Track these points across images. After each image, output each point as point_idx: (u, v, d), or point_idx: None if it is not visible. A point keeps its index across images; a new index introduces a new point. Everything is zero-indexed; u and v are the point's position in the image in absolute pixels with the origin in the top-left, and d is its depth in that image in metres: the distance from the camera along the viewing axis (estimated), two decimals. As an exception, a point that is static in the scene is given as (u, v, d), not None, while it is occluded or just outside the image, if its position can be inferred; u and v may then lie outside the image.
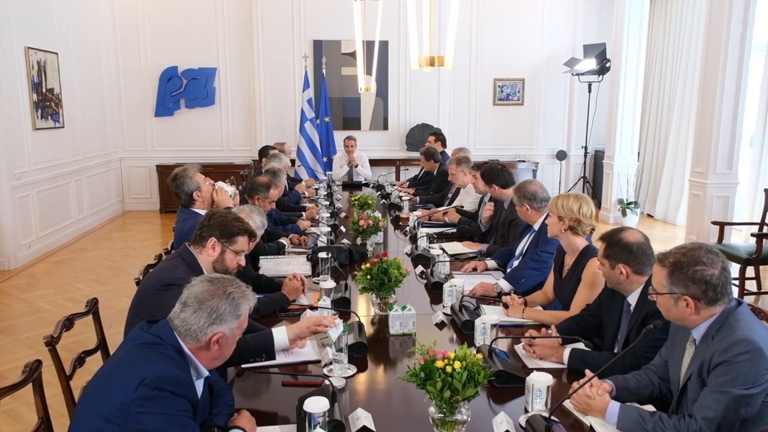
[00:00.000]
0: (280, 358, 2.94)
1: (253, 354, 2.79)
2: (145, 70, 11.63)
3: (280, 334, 2.91)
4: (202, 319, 2.15)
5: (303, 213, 6.60)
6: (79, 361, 2.88)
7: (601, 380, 2.50)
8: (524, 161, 11.87)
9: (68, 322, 2.89)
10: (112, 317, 5.30)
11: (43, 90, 8.91)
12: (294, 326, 2.98)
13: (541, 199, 4.27)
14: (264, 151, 8.68)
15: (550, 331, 3.14)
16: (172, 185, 4.42)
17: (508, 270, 4.41)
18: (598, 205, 11.36)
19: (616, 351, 2.98)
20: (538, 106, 12.22)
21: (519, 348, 3.10)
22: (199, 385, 2.21)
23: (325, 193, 8.08)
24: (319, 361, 2.95)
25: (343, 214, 6.76)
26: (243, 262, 3.14)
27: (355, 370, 2.84)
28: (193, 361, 2.17)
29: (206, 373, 2.24)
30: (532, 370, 2.67)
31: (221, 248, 3.04)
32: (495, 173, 5.29)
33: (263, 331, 2.96)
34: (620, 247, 2.89)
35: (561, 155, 12.27)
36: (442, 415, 2.24)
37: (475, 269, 4.56)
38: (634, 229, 3.01)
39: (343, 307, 3.62)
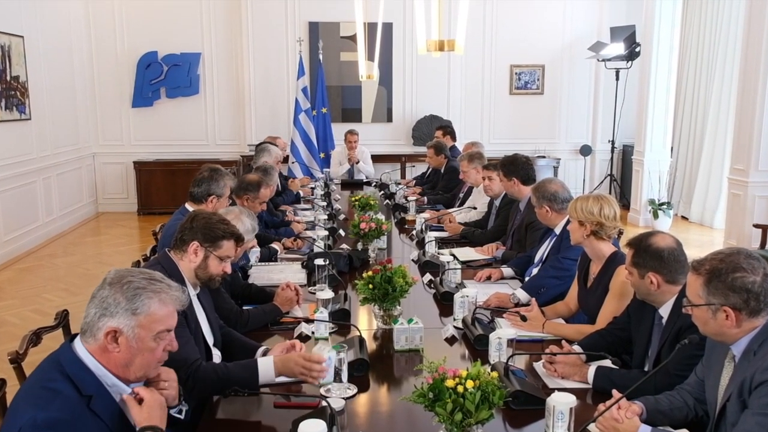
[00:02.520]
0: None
1: (238, 385, 2.65)
2: (122, 56, 11.66)
3: (266, 366, 2.83)
4: (93, 308, 2.12)
5: (286, 227, 6.12)
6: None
7: (629, 401, 2.50)
8: (544, 157, 11.86)
9: (35, 337, 2.90)
10: (84, 331, 5.30)
11: (7, 78, 8.93)
12: (283, 361, 2.85)
13: (563, 200, 4.27)
14: (260, 147, 8.66)
15: (574, 347, 3.14)
16: (204, 174, 4.54)
17: (526, 279, 4.41)
18: (627, 207, 11.37)
19: (646, 369, 2.98)
20: (560, 96, 12.21)
21: (539, 366, 3.10)
22: None
23: (322, 192, 8.08)
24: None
25: (342, 216, 6.75)
26: (228, 270, 3.14)
27: (355, 390, 2.84)
28: (107, 378, 2.12)
29: (128, 390, 2.17)
30: (553, 390, 2.66)
31: (204, 253, 3.03)
32: (518, 165, 5.25)
33: (247, 361, 2.90)
34: (650, 254, 2.89)
35: (585, 150, 12.26)
36: (452, 440, 2.25)
37: (489, 278, 4.56)
38: (665, 233, 3.01)
39: (342, 319, 3.62)
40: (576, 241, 3.68)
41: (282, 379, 2.88)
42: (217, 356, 3.08)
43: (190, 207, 4.48)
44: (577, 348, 3.16)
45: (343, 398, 2.73)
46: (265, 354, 3.08)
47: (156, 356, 2.19)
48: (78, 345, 2.15)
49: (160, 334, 2.17)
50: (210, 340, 3.09)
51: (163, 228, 4.59)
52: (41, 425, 1.92)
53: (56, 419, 1.95)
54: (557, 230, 4.33)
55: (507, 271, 4.64)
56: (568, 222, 3.86)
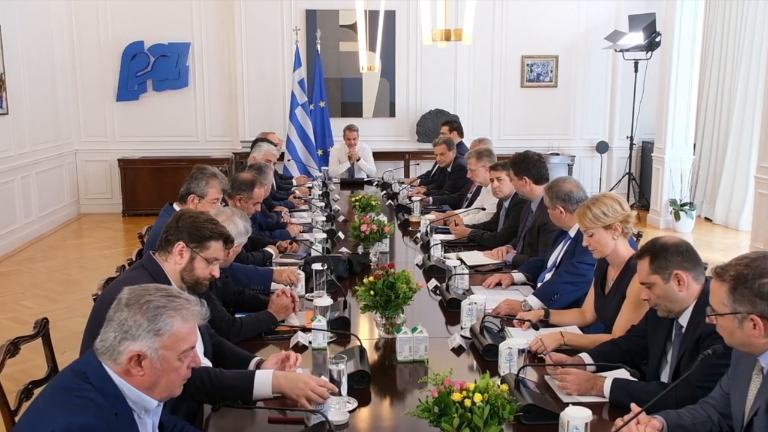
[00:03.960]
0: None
1: (230, 395, 2.69)
2: (106, 46, 11.66)
3: (264, 381, 2.77)
4: (112, 332, 2.14)
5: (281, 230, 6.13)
6: (26, 393, 2.89)
7: (649, 416, 2.50)
8: (558, 154, 11.85)
9: (13, 347, 2.90)
10: (65, 341, 5.32)
11: (-16, 70, 8.93)
12: (289, 379, 2.76)
13: (578, 200, 4.25)
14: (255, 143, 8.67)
15: (582, 355, 3.14)
16: (192, 174, 4.60)
17: (539, 285, 4.41)
18: (647, 207, 11.36)
19: (663, 380, 2.98)
20: (575, 89, 12.21)
21: (552, 378, 3.10)
22: (148, 424, 2.23)
23: (320, 192, 8.09)
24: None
25: (341, 218, 6.76)
26: (216, 273, 3.14)
27: (355, 404, 2.84)
28: (132, 393, 2.16)
29: (153, 404, 2.22)
30: (567, 404, 2.66)
31: (190, 254, 3.03)
32: (530, 163, 5.23)
33: (244, 371, 2.90)
34: (669, 251, 2.91)
35: (602, 147, 12.26)
36: (459, 457, 2.25)
37: (499, 284, 4.56)
38: (666, 235, 3.03)
39: (341, 328, 3.63)
40: (604, 250, 3.64)
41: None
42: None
43: (176, 206, 4.51)
44: (587, 359, 3.16)
45: (348, 411, 2.74)
46: (258, 366, 3.07)
47: (181, 375, 2.23)
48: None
49: (184, 353, 2.20)
50: (199, 349, 3.08)
51: (150, 230, 4.61)
52: (77, 430, 1.97)
53: (92, 426, 2.01)
54: (572, 233, 4.33)
55: (518, 276, 4.64)
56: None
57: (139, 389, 2.16)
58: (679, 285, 2.88)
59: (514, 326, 3.77)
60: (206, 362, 3.10)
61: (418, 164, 11.58)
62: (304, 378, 2.76)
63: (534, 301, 4.07)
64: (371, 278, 3.59)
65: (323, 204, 7.23)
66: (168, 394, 2.24)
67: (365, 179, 9.55)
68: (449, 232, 5.97)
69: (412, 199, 7.12)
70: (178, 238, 3.03)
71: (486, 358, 3.30)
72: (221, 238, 3.12)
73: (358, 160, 9.68)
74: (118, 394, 2.13)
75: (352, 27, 10.77)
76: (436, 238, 5.30)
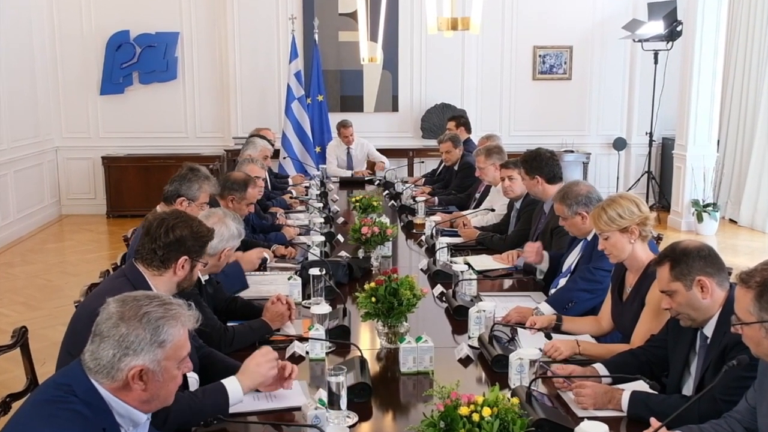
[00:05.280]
0: (261, 403, 2.95)
1: (210, 414, 2.77)
2: (89, 36, 11.66)
3: (235, 390, 2.86)
4: (110, 350, 2.15)
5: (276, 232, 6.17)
6: (4, 406, 2.89)
7: (670, 431, 2.50)
8: (572, 152, 11.84)
9: (-10, 357, 2.90)
10: (45, 351, 5.31)
11: (-41, 61, 8.95)
12: (245, 372, 2.94)
13: (596, 199, 4.25)
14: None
15: (597, 366, 3.15)
16: (181, 171, 4.63)
17: (552, 291, 4.41)
18: (667, 208, 11.36)
19: (685, 393, 2.98)
20: (590, 82, 12.20)
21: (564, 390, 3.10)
22: None
23: (318, 192, 8.09)
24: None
25: (340, 220, 6.76)
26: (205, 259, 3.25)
27: (356, 419, 2.85)
28: (120, 407, 2.18)
29: (143, 419, 2.25)
30: (582, 418, 2.67)
31: (191, 264, 3.09)
32: (542, 161, 5.22)
33: (215, 386, 2.91)
34: (690, 257, 2.91)
35: (619, 144, 12.26)
36: (467, 475, 2.25)
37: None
38: (686, 239, 3.03)
39: (340, 338, 3.63)
40: (620, 255, 3.64)
41: (272, 404, 2.89)
42: (194, 381, 3.07)
43: (159, 208, 4.48)
44: (602, 369, 3.16)
45: (347, 426, 2.74)
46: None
47: (177, 383, 2.29)
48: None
49: (183, 360, 2.26)
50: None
51: (135, 233, 4.60)
52: None
53: None
54: (588, 236, 4.32)
55: (546, 308, 4.22)
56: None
57: (134, 404, 2.19)
58: (702, 292, 2.88)
59: (524, 328, 3.76)
60: (193, 377, 3.09)
61: (422, 162, 11.55)
62: (256, 365, 2.96)
63: (546, 309, 4.07)
64: (373, 284, 3.60)
65: (321, 205, 7.23)
66: (163, 405, 2.28)
67: (365, 178, 9.53)
68: (456, 235, 5.98)
69: (417, 199, 7.11)
70: (180, 254, 3.05)
71: (495, 369, 3.30)
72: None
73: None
74: (106, 408, 2.15)
75: (352, 15, 10.78)
76: (442, 241, 5.29)
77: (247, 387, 2.90)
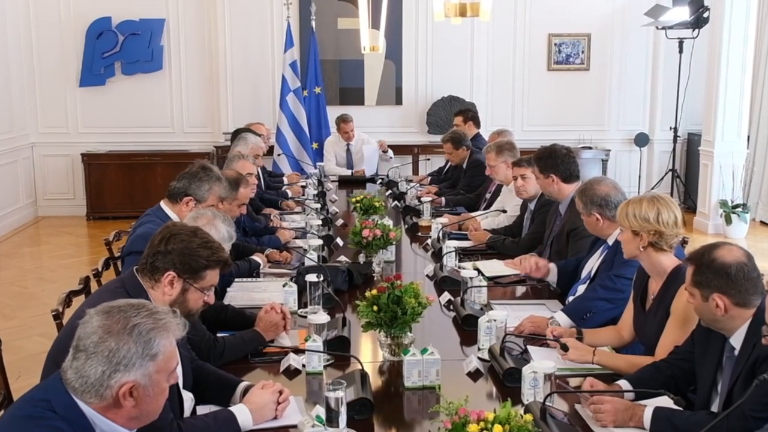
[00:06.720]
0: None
1: None
2: (67, 23, 11.69)
3: (244, 417, 2.92)
4: (99, 366, 2.15)
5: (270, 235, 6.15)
6: (-23, 423, 2.90)
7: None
8: (591, 148, 11.86)
9: (-39, 371, 2.91)
10: (20, 364, 5.32)
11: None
12: (256, 411, 2.96)
13: (616, 204, 4.21)
14: (237, 135, 8.67)
15: (620, 382, 3.15)
16: (192, 168, 4.61)
17: (570, 298, 4.41)
18: (693, 210, 11.36)
19: (714, 410, 2.98)
20: (610, 73, 12.22)
21: (582, 406, 3.10)
22: None
23: (315, 192, 8.09)
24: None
25: (339, 222, 6.77)
26: (212, 300, 3.16)
27: (356, 437, 2.85)
28: (104, 424, 2.19)
29: None
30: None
31: (183, 286, 3.03)
32: (558, 158, 5.21)
33: (225, 416, 2.93)
34: (714, 270, 2.90)
35: (641, 140, 12.26)
36: (476, 498, 2.25)
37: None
38: (733, 245, 3.01)
39: (340, 349, 3.63)
40: (630, 254, 3.67)
41: (268, 423, 2.91)
42: (188, 400, 3.07)
43: (165, 206, 4.52)
44: (625, 386, 3.16)
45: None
46: (246, 391, 3.09)
47: (165, 395, 2.30)
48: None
49: (172, 372, 2.29)
50: (180, 381, 3.07)
51: (131, 230, 4.58)
52: None
53: None
54: (610, 240, 4.31)
55: (563, 319, 4.22)
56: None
57: (121, 422, 2.20)
58: (717, 308, 2.89)
59: (540, 338, 3.77)
60: (188, 396, 3.09)
61: (428, 159, 11.48)
62: (264, 399, 2.99)
63: (562, 318, 4.06)
64: (374, 291, 3.60)
65: (319, 205, 7.23)
66: (149, 421, 2.29)
67: (367, 177, 9.54)
68: (465, 238, 5.98)
69: (422, 199, 7.11)
70: (167, 268, 3.01)
71: (507, 383, 3.30)
72: (218, 265, 3.11)
73: (385, 152, 9.77)
74: (87, 425, 2.15)
75: (353, 1, 10.80)
76: (450, 244, 5.29)
77: (255, 422, 2.91)
